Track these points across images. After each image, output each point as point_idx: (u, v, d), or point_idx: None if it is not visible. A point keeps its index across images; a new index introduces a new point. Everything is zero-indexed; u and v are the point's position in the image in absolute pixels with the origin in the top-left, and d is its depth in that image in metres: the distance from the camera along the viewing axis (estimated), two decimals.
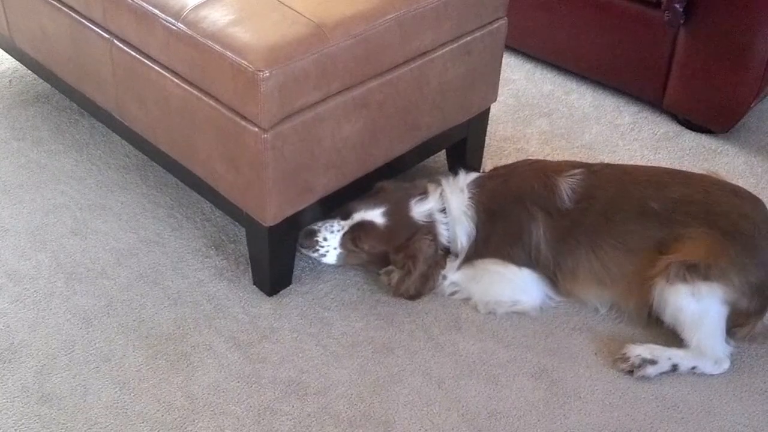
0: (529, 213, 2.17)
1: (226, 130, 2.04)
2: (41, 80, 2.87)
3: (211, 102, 2.04)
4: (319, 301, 2.26)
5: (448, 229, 2.24)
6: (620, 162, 2.65)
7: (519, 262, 2.19)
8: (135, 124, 2.38)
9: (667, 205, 2.11)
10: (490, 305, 2.23)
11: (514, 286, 2.21)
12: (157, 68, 2.15)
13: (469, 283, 2.25)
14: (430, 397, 2.01)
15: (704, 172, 2.26)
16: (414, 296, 2.25)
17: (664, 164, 2.73)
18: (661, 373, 2.06)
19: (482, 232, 2.22)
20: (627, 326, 2.20)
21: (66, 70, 2.56)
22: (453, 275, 2.26)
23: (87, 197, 2.58)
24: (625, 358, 2.07)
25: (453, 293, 2.27)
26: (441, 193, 2.28)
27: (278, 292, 2.28)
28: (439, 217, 2.25)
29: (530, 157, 2.63)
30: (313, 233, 2.24)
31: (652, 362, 2.05)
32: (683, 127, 2.95)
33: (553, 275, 2.20)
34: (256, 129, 1.97)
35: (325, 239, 2.23)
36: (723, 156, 2.83)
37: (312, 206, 2.20)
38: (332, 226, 2.24)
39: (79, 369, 2.05)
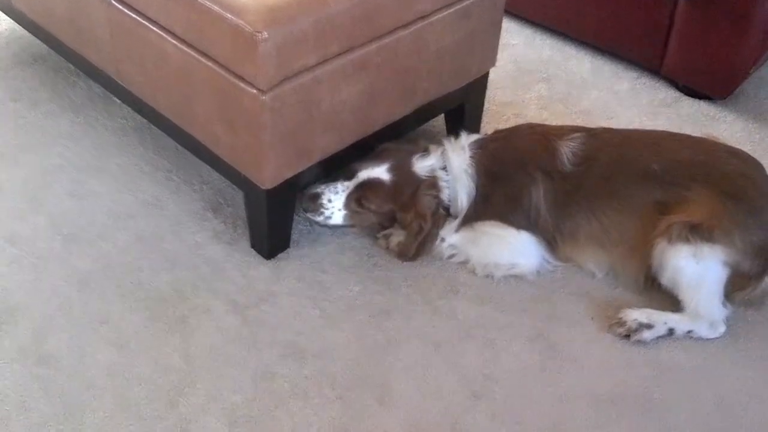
0: (529, 175, 2.17)
1: (225, 91, 2.03)
2: (38, 41, 2.84)
3: (210, 63, 2.03)
4: (317, 265, 2.26)
5: (448, 187, 2.24)
6: (618, 127, 2.65)
7: (518, 225, 2.19)
8: (133, 86, 2.37)
9: (668, 167, 2.11)
10: (488, 268, 2.23)
11: (513, 249, 2.21)
12: (155, 29, 2.13)
13: (468, 246, 2.25)
14: (427, 360, 2.02)
15: (703, 136, 2.26)
16: (415, 257, 2.25)
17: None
18: (657, 338, 2.07)
19: (482, 193, 2.22)
20: (624, 291, 2.21)
21: (63, 30, 2.53)
22: (451, 237, 2.26)
23: (84, 159, 2.57)
24: (621, 323, 2.09)
25: (451, 256, 2.27)
26: (442, 152, 2.27)
27: (276, 255, 2.28)
28: (440, 174, 2.25)
29: (530, 122, 2.63)
30: (317, 196, 2.23)
31: (649, 326, 2.07)
32: (682, 94, 2.94)
33: (552, 238, 2.20)
34: (255, 91, 1.95)
35: (329, 201, 2.23)
36: (721, 122, 2.82)
37: (310, 169, 2.19)
38: (336, 187, 2.24)
39: (77, 331, 2.06)
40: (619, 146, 2.18)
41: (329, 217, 2.24)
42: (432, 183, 2.23)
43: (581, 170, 2.15)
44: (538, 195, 2.17)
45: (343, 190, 2.23)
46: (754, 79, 2.98)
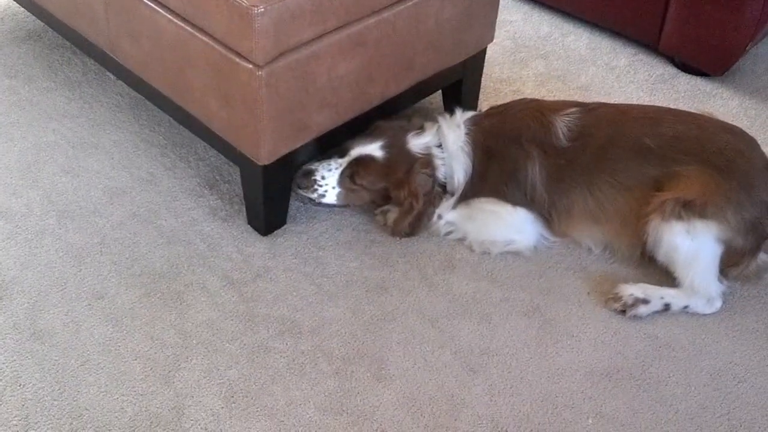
0: (525, 151, 2.16)
1: (220, 67, 2.01)
2: (34, 17, 2.82)
3: (205, 38, 2.01)
4: (314, 241, 2.26)
5: (444, 164, 2.23)
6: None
7: (514, 201, 2.19)
8: (128, 62, 2.35)
9: (662, 143, 2.10)
10: (485, 245, 2.23)
11: (509, 225, 2.21)
12: (150, 3, 2.12)
13: (465, 223, 2.25)
14: (424, 335, 2.03)
15: (698, 112, 2.25)
16: (410, 233, 2.24)
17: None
18: (653, 313, 2.08)
19: (478, 169, 2.22)
20: (619, 266, 2.21)
21: (58, 6, 2.51)
22: (448, 215, 2.26)
23: (79, 135, 2.56)
24: (617, 298, 2.09)
25: (448, 233, 2.27)
26: (438, 129, 2.26)
27: (273, 231, 2.27)
28: (436, 151, 2.24)
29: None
30: (311, 173, 2.22)
31: (645, 301, 2.07)
32: (679, 70, 2.93)
33: (548, 214, 2.20)
34: (251, 66, 1.94)
35: (323, 177, 2.22)
36: (717, 98, 2.81)
37: (307, 145, 2.18)
38: (329, 164, 2.23)
39: (72, 306, 2.05)
40: (614, 121, 2.18)
41: (323, 195, 2.23)
42: (427, 161, 2.22)
43: (577, 145, 2.15)
44: (534, 170, 2.16)
45: (337, 168, 2.22)
46: (751, 56, 2.97)
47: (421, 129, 2.28)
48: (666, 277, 2.12)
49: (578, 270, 2.20)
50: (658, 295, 2.08)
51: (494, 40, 2.59)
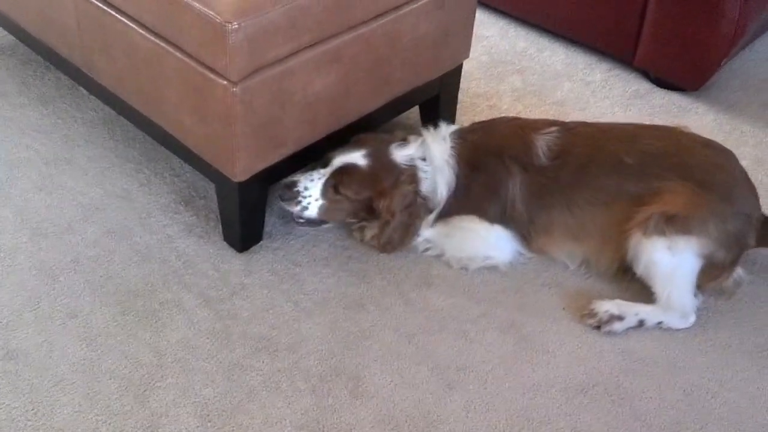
0: (506, 168, 2.17)
1: (195, 83, 2.01)
2: (6, 32, 2.80)
3: (179, 54, 2.01)
4: (291, 257, 2.25)
5: (428, 178, 2.22)
6: (592, 119, 2.65)
7: (493, 218, 2.19)
8: (102, 78, 2.34)
9: (641, 159, 2.12)
10: (462, 261, 2.23)
11: (487, 242, 2.22)
12: (123, 19, 2.11)
13: (442, 240, 2.25)
14: (401, 351, 2.02)
15: (675, 126, 2.27)
16: (397, 247, 2.24)
17: (635, 121, 2.73)
18: (628, 329, 2.09)
19: (462, 183, 2.21)
20: (595, 282, 2.22)
21: (31, 21, 2.50)
22: (426, 232, 2.26)
23: (53, 151, 2.54)
24: (592, 314, 2.09)
25: (426, 250, 2.27)
26: (422, 142, 2.26)
27: (249, 248, 2.26)
28: (420, 164, 2.23)
29: (506, 115, 2.62)
30: (293, 184, 2.20)
31: (620, 318, 2.08)
32: (654, 85, 2.95)
33: (526, 232, 2.20)
34: (225, 82, 1.94)
35: (306, 188, 2.19)
36: (693, 114, 2.84)
37: (283, 161, 2.17)
38: (312, 175, 2.21)
39: (45, 325, 2.03)
40: (593, 139, 2.19)
41: (306, 208, 2.20)
42: (411, 173, 2.21)
43: (557, 164, 2.15)
44: (515, 188, 2.17)
45: (319, 178, 2.20)
46: (726, 71, 3.00)
47: (404, 141, 2.28)
48: (640, 293, 2.13)
49: (554, 286, 2.21)
50: (633, 311, 2.09)
51: (471, 56, 2.60)
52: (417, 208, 2.23)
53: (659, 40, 2.82)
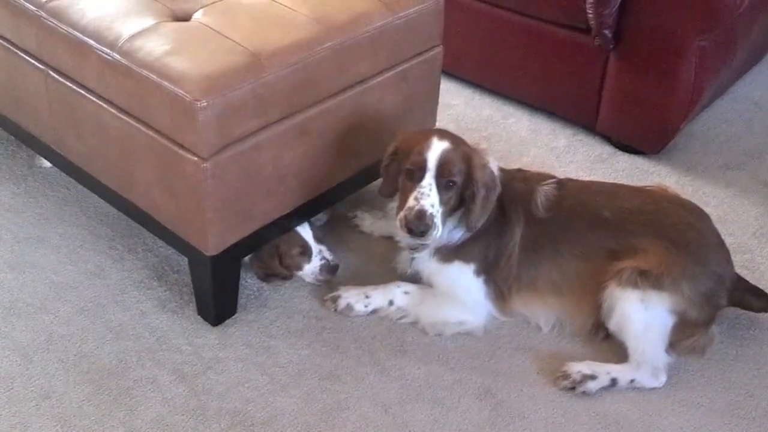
0: (517, 215, 2.21)
1: (165, 160, 2.03)
2: None
3: (150, 132, 2.04)
4: (265, 330, 2.25)
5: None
6: None
7: (485, 269, 2.22)
8: (73, 156, 2.36)
9: (619, 215, 2.17)
10: (437, 327, 2.25)
11: (461, 306, 2.24)
12: (93, 99, 2.14)
13: (417, 308, 2.27)
14: (377, 422, 2.02)
15: (654, 186, 2.33)
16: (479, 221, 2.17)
17: None
18: (602, 388, 2.10)
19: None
20: (567, 344, 2.24)
21: (1, 100, 2.52)
22: (399, 301, 2.28)
23: (25, 230, 2.54)
24: (566, 375, 2.11)
25: (400, 318, 2.29)
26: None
27: (223, 321, 2.26)
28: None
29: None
30: (421, 214, 2.07)
31: (592, 377, 2.09)
32: (617, 149, 3.02)
33: (507, 289, 2.23)
34: (196, 158, 1.97)
35: (432, 205, 2.08)
36: (655, 176, 2.90)
37: (254, 234, 2.19)
38: (423, 199, 2.09)
39: (19, 407, 2.01)
40: (579, 194, 2.25)
41: (437, 226, 2.09)
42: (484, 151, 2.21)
43: (549, 216, 2.20)
44: (516, 238, 2.21)
45: (430, 186, 2.09)
46: (686, 133, 3.07)
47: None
48: (612, 354, 2.15)
49: (527, 349, 2.22)
50: (605, 370, 2.11)
51: (438, 124, 2.65)
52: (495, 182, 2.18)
53: (619, 106, 2.90)
